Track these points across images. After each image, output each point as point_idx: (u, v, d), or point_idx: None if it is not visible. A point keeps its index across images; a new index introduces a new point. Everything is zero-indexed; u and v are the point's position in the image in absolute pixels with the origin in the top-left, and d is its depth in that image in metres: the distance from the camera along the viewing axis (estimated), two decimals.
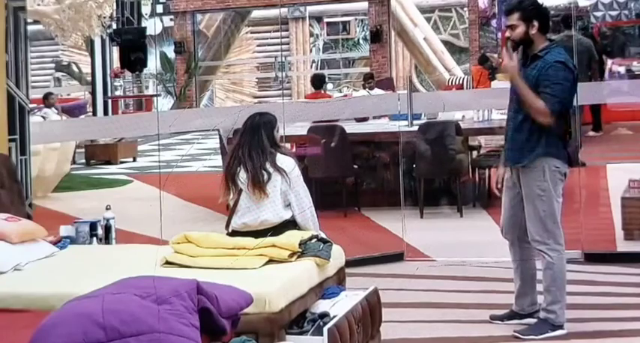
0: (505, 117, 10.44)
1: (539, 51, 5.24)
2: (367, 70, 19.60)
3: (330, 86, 19.49)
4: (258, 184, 5.39)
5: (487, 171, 9.85)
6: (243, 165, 5.46)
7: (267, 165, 5.43)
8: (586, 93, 8.44)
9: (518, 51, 5.31)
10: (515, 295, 5.55)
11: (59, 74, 23.06)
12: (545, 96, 5.15)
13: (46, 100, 14.51)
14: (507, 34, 5.29)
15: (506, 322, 5.52)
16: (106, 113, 18.53)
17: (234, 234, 5.36)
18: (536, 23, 5.22)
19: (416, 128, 9.19)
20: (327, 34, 23.73)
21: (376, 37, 20.84)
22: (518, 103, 5.29)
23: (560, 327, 5.31)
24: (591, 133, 14.62)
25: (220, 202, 5.73)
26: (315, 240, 4.95)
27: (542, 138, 5.21)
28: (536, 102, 5.16)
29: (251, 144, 5.49)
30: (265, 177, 5.40)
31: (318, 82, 12.84)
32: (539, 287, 5.43)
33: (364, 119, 10.98)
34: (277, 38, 23.03)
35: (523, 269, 5.50)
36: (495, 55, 17.25)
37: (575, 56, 6.99)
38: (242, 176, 5.46)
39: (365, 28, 22.60)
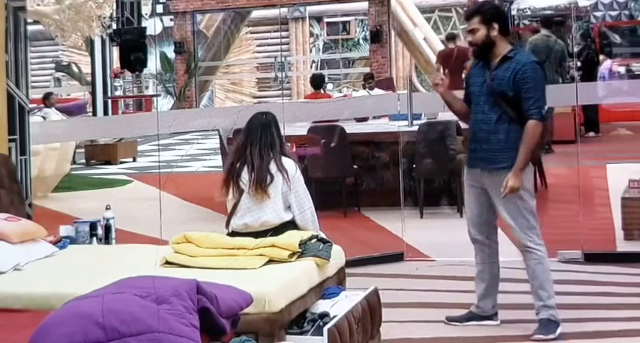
0: None
1: (509, 52, 5.30)
2: (367, 70, 19.59)
3: (330, 86, 19.46)
4: (261, 185, 5.38)
5: None
6: (249, 164, 5.43)
7: (272, 166, 5.42)
8: (585, 94, 8.45)
9: (464, 65, 5.38)
10: (478, 296, 5.54)
11: (59, 74, 23.05)
12: (530, 105, 5.19)
13: (46, 100, 14.51)
14: (469, 38, 5.35)
15: (465, 324, 5.53)
16: (106, 113, 18.53)
17: (234, 234, 5.35)
18: (496, 26, 5.28)
19: (416, 128, 9.19)
20: (327, 34, 23.72)
21: (376, 37, 20.83)
22: (488, 104, 5.31)
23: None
24: (591, 134, 14.64)
25: (217, 200, 5.71)
26: (315, 240, 4.96)
27: (518, 139, 5.23)
28: (532, 132, 5.19)
29: (260, 143, 5.45)
30: (268, 178, 5.39)
31: (317, 82, 12.84)
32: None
33: (364, 119, 10.98)
34: (277, 38, 23.03)
35: (490, 271, 5.52)
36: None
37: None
38: (244, 177, 5.45)
39: (365, 28, 22.59)
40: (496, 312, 5.54)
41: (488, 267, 5.51)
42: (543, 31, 13.17)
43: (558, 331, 5.28)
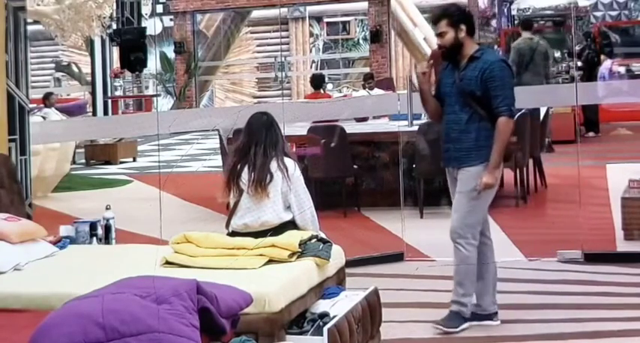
0: None
1: (475, 52, 5.41)
2: (367, 70, 19.60)
3: (330, 86, 19.47)
4: (261, 185, 5.38)
5: None
6: (250, 164, 5.43)
7: (272, 165, 5.42)
8: (585, 94, 8.45)
9: (433, 64, 5.48)
10: (477, 294, 5.58)
11: (59, 74, 23.05)
12: (499, 103, 5.29)
13: (46, 100, 14.51)
14: (438, 41, 5.45)
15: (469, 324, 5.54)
16: (105, 113, 18.54)
17: (234, 234, 5.35)
18: (463, 27, 5.40)
19: (416, 128, 9.19)
20: (327, 34, 23.72)
21: (376, 37, 20.83)
22: (459, 104, 5.40)
23: (490, 318, 5.47)
24: (591, 134, 14.65)
25: (220, 202, 5.72)
26: (314, 240, 4.95)
27: (490, 137, 5.34)
28: (503, 129, 5.29)
29: (266, 141, 5.45)
30: (268, 177, 5.39)
31: (317, 82, 12.85)
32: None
33: (364, 119, 10.97)
34: (277, 38, 23.03)
35: (487, 268, 5.57)
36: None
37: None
38: (244, 176, 5.45)
39: (365, 28, 22.59)
40: (496, 312, 5.56)
41: (482, 265, 5.56)
42: (525, 34, 13.40)
43: (462, 326, 5.42)
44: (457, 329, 5.40)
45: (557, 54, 17.75)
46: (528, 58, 12.89)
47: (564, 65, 16.55)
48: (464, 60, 5.41)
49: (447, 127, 5.47)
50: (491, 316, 5.55)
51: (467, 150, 5.37)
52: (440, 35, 5.41)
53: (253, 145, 5.47)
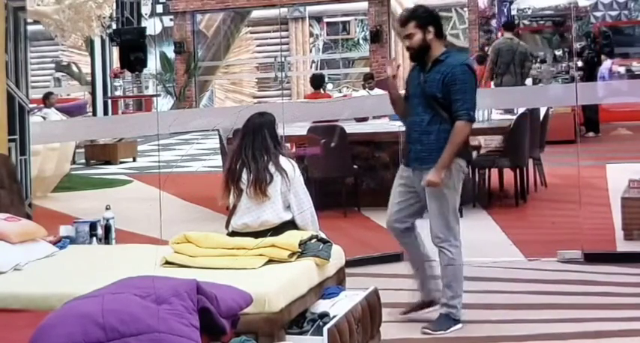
0: (504, 117, 10.52)
1: (440, 55, 5.43)
2: (367, 70, 19.61)
3: (329, 86, 19.49)
4: (260, 186, 5.38)
5: (487, 171, 9.85)
6: (247, 167, 5.45)
7: (270, 167, 5.42)
8: (586, 94, 8.44)
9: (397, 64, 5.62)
10: (419, 284, 5.70)
11: (59, 74, 23.06)
12: (459, 107, 5.33)
13: (47, 100, 14.51)
14: (406, 43, 5.48)
15: (420, 312, 5.65)
16: (105, 113, 18.55)
17: (234, 234, 5.35)
18: (431, 29, 5.41)
19: None
20: (327, 34, 23.73)
21: (376, 37, 20.85)
22: (422, 106, 5.45)
23: (458, 321, 5.47)
24: (591, 134, 14.65)
25: (220, 205, 5.72)
26: (314, 240, 4.95)
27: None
28: (459, 132, 5.35)
29: (254, 146, 5.48)
30: (267, 179, 5.40)
31: (317, 82, 12.85)
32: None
33: (364, 119, 10.97)
34: (277, 38, 23.04)
35: (418, 257, 5.69)
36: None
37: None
38: (244, 177, 5.45)
39: (365, 28, 22.60)
40: (435, 298, 5.64)
41: (416, 255, 5.68)
42: (506, 35, 13.52)
43: (453, 328, 5.42)
44: (447, 331, 5.40)
45: (559, 52, 17.77)
46: (508, 59, 12.98)
47: (564, 65, 16.55)
48: (430, 62, 5.45)
49: (410, 128, 5.56)
50: (432, 303, 5.65)
51: (428, 152, 5.42)
52: (407, 37, 5.44)
53: (245, 148, 5.49)
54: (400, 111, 5.72)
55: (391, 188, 5.75)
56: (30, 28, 6.72)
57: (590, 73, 15.77)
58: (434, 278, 5.68)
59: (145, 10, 15.73)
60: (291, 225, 5.40)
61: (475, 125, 9.96)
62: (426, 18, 5.42)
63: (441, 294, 5.55)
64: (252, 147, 5.48)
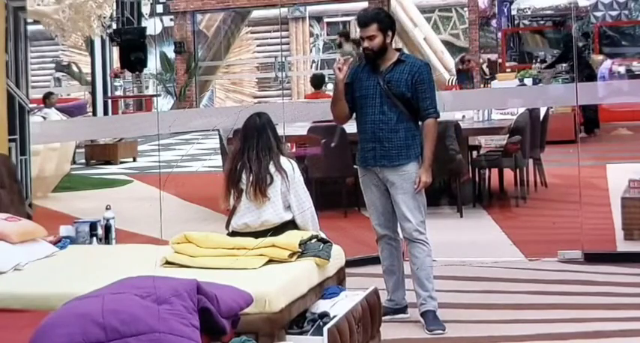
0: (504, 117, 10.52)
1: (400, 56, 5.62)
2: None
3: (330, 86, 19.46)
4: (260, 188, 5.38)
5: (487, 171, 9.85)
6: (247, 169, 5.44)
7: (271, 167, 5.42)
8: (586, 94, 8.44)
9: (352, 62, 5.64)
10: (390, 290, 5.77)
11: (59, 74, 23.05)
12: (428, 105, 5.52)
13: (47, 100, 14.51)
14: (365, 44, 5.54)
15: (396, 317, 5.70)
16: (106, 113, 18.52)
17: (234, 234, 5.35)
18: (390, 33, 5.58)
19: None
20: (327, 34, 23.73)
21: None
22: (387, 105, 5.55)
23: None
24: (591, 134, 14.64)
25: (222, 208, 5.71)
26: (315, 240, 4.95)
27: (417, 137, 5.57)
28: (434, 130, 5.54)
29: (258, 146, 5.47)
30: (268, 180, 5.40)
31: (317, 82, 12.83)
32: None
33: None
34: (277, 38, 23.03)
35: (398, 264, 5.79)
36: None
37: None
38: (244, 178, 5.45)
39: None
40: (406, 305, 5.74)
41: (397, 261, 5.79)
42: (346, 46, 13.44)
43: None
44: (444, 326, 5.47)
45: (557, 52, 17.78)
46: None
47: (564, 65, 16.55)
48: (387, 63, 5.57)
49: (374, 127, 5.59)
50: (404, 309, 5.75)
51: (397, 149, 5.54)
52: (368, 38, 5.52)
53: (247, 150, 5.49)
54: (341, 111, 5.73)
55: None
56: (30, 27, 6.72)
57: (584, 73, 15.74)
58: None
59: (145, 10, 15.70)
60: (291, 224, 5.40)
61: (475, 125, 10.08)
62: (387, 23, 5.58)
63: (420, 292, 5.59)
64: (255, 147, 5.47)
